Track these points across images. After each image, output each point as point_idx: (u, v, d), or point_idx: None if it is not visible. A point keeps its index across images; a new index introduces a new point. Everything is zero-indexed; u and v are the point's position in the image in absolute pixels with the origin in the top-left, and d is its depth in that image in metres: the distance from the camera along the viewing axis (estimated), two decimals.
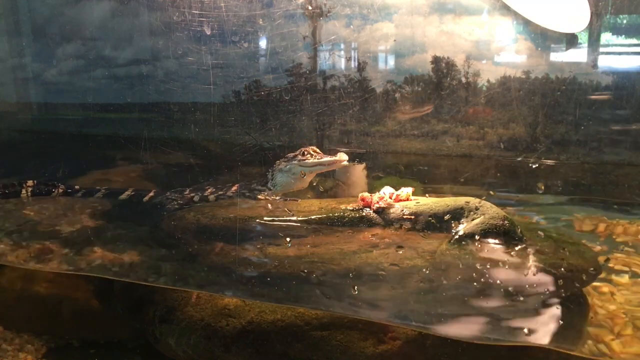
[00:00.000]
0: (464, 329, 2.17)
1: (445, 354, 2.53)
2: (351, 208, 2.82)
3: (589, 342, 2.13)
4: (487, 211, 2.56)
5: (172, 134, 3.73)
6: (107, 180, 3.97)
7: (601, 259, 2.60)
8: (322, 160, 3.06)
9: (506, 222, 2.50)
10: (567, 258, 2.41)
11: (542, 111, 3.25)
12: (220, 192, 3.30)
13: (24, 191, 3.68)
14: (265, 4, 3.27)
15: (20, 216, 3.46)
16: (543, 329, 2.09)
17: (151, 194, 3.47)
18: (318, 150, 3.12)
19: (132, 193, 3.54)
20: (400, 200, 2.80)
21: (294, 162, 3.12)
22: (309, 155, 3.08)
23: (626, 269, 2.55)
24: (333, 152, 3.12)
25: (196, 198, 3.30)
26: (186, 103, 3.60)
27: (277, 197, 3.17)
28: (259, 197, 3.20)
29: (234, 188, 3.30)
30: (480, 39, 3.27)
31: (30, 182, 3.69)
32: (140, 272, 2.71)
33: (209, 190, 3.33)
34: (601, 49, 3.11)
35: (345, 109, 3.45)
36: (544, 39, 3.14)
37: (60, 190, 3.68)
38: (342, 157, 3.02)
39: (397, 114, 3.56)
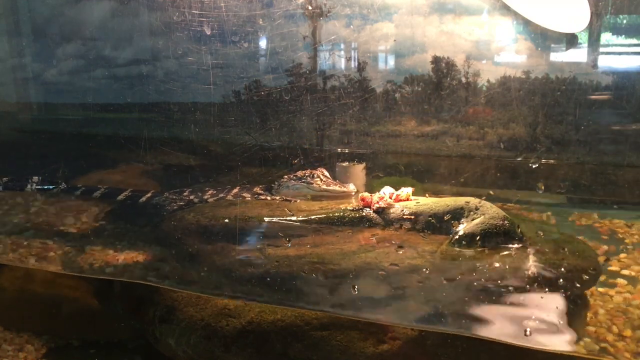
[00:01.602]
0: (464, 327, 2.17)
1: (446, 354, 2.53)
2: (351, 208, 2.82)
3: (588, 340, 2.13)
4: (487, 211, 2.56)
5: (172, 134, 3.73)
6: (107, 181, 3.97)
7: (601, 259, 2.60)
8: (329, 188, 3.09)
9: (506, 222, 2.50)
10: (567, 258, 2.41)
11: (542, 111, 3.24)
12: (221, 195, 3.30)
13: (28, 185, 3.83)
14: (265, 4, 3.27)
15: None
16: (543, 329, 2.09)
17: (149, 194, 3.47)
18: (328, 175, 3.16)
19: (130, 193, 3.54)
20: (400, 200, 2.80)
21: (302, 182, 3.14)
22: (317, 180, 3.10)
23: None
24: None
25: (195, 200, 3.31)
26: (186, 103, 3.60)
27: (277, 197, 3.18)
28: (261, 197, 3.21)
29: (235, 191, 3.30)
30: (480, 39, 3.27)
31: (35, 178, 3.84)
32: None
33: (210, 192, 3.34)
34: (601, 49, 3.11)
35: (345, 109, 3.45)
36: (544, 39, 3.14)
37: (62, 187, 3.78)
38: (350, 188, 3.07)
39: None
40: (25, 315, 3.86)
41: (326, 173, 3.18)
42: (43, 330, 3.83)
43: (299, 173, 3.19)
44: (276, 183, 3.24)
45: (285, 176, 3.22)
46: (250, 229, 2.82)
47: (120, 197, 3.56)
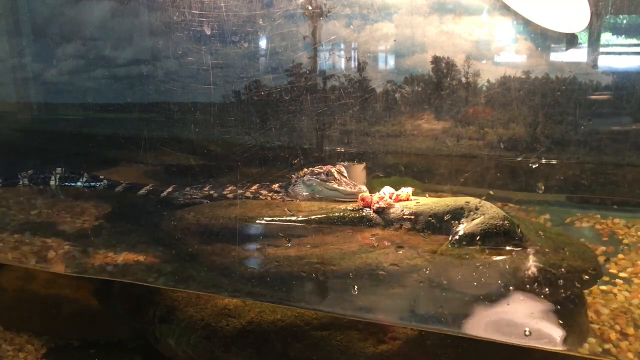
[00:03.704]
0: (464, 327, 2.17)
1: (446, 354, 2.53)
2: (351, 208, 2.82)
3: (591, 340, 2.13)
4: (487, 211, 2.56)
5: (172, 134, 3.73)
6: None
7: (601, 259, 2.60)
8: (339, 188, 2.99)
9: (506, 222, 2.50)
10: (567, 258, 2.41)
11: (542, 111, 3.25)
12: (240, 191, 3.29)
13: (52, 179, 3.89)
14: (265, 4, 3.27)
15: None
16: (543, 329, 2.09)
17: (170, 189, 3.48)
18: (345, 173, 3.07)
19: (151, 188, 3.60)
20: (400, 200, 2.80)
21: (316, 178, 3.07)
22: (332, 178, 3.03)
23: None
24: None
25: (215, 195, 3.31)
26: (186, 103, 3.60)
27: (277, 197, 3.18)
28: (261, 197, 3.21)
29: (254, 187, 3.30)
30: (480, 39, 3.27)
31: (58, 170, 3.89)
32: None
33: (229, 188, 3.33)
34: (601, 49, 3.11)
35: (345, 109, 3.45)
36: (544, 39, 3.14)
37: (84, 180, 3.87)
38: (362, 188, 2.98)
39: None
40: (25, 315, 3.85)
41: (344, 172, 3.08)
42: (43, 330, 3.83)
43: (317, 168, 3.11)
44: (295, 175, 3.17)
45: (304, 169, 3.14)
46: (250, 229, 2.83)
47: (142, 191, 3.57)
